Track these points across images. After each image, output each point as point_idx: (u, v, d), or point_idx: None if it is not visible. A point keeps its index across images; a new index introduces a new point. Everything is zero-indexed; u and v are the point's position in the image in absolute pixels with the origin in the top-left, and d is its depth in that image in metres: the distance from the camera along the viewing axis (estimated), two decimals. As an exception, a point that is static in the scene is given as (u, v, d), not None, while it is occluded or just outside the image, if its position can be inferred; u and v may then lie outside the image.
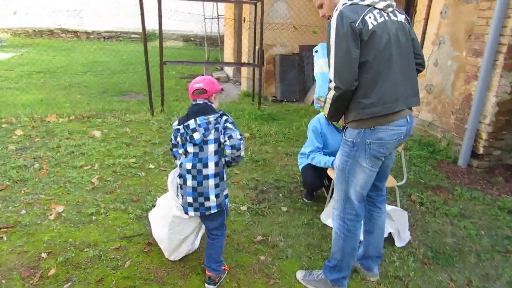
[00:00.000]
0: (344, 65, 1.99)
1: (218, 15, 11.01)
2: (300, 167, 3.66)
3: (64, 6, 17.04)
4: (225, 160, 2.41)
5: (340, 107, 2.14)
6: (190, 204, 2.40)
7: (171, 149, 2.59)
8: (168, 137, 5.26)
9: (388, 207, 3.01)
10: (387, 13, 2.09)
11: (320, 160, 3.38)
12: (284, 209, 3.54)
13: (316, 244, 3.03)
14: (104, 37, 17.81)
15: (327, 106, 2.13)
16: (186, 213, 2.45)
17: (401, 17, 2.16)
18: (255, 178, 4.16)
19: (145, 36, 5.68)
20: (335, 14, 2.01)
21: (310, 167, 3.54)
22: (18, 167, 4.06)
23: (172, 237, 2.64)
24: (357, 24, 1.96)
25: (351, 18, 1.96)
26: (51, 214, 3.23)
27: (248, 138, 5.43)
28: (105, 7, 17.20)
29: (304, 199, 3.71)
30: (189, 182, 2.35)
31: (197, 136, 2.31)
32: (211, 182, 2.35)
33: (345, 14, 1.97)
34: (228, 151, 2.31)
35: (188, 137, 2.33)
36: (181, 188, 2.42)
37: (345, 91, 2.02)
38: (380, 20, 2.03)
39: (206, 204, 2.37)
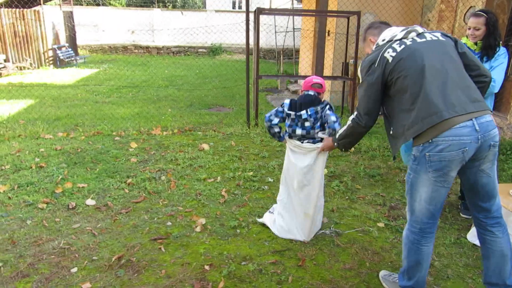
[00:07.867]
0: (363, 99, 2.31)
1: (294, 28, 11.09)
2: None
3: (137, 25, 17.98)
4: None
5: (353, 137, 2.52)
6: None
7: (270, 127, 3.07)
8: (273, 150, 5.31)
9: None
10: (411, 39, 2.20)
11: None
12: (424, 227, 3.43)
13: (473, 264, 2.89)
14: (173, 52, 18.58)
15: (345, 128, 2.51)
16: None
17: (434, 36, 2.23)
18: (379, 194, 4.08)
19: (248, 53, 5.81)
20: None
21: None
22: (148, 179, 4.26)
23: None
24: (376, 64, 2.18)
25: (370, 60, 2.23)
26: (196, 226, 3.34)
27: (353, 152, 5.37)
28: (176, 24, 17.92)
29: (462, 214, 3.62)
30: (299, 131, 2.99)
31: (307, 124, 2.94)
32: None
33: (367, 58, 2.27)
34: (328, 130, 2.93)
35: (299, 123, 2.95)
36: (291, 136, 3.05)
37: (360, 122, 2.35)
38: (400, 48, 2.16)
39: None
